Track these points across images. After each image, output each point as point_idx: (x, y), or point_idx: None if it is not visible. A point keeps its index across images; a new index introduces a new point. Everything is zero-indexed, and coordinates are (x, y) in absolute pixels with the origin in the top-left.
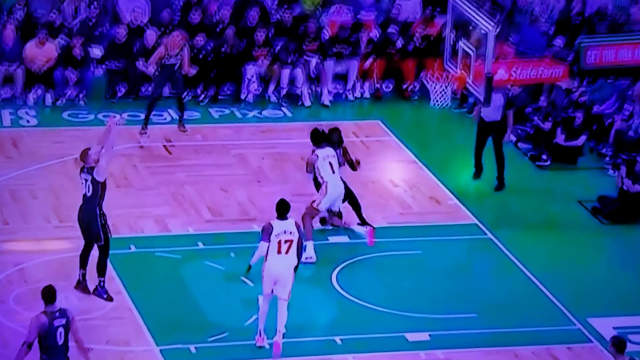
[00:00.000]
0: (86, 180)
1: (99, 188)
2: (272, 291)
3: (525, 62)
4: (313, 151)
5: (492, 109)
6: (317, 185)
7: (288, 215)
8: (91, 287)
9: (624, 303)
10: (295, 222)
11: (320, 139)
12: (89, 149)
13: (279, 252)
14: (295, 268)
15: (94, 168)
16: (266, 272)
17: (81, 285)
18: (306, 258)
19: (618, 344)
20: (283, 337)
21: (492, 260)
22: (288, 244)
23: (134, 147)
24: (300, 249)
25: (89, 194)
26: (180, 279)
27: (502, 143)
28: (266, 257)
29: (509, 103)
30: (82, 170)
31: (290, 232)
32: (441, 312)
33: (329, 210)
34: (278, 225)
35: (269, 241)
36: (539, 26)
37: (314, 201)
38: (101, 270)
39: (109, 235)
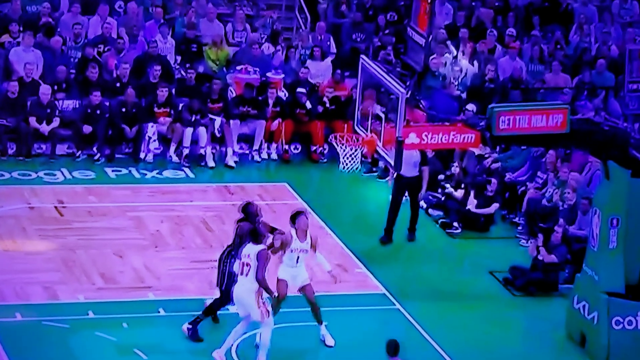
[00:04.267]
0: None
1: None
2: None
3: (437, 127)
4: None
5: (409, 165)
6: None
7: (260, 240)
8: None
9: None
10: (259, 253)
11: None
12: None
13: (241, 272)
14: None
15: None
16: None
17: None
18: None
19: (392, 347)
20: None
21: (400, 333)
22: (247, 267)
23: (23, 207)
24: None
25: None
26: (69, 351)
27: (417, 199)
28: None
29: (424, 160)
30: None
31: (248, 256)
32: None
33: None
34: (246, 248)
35: (239, 260)
36: (451, 91)
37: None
38: None
39: None
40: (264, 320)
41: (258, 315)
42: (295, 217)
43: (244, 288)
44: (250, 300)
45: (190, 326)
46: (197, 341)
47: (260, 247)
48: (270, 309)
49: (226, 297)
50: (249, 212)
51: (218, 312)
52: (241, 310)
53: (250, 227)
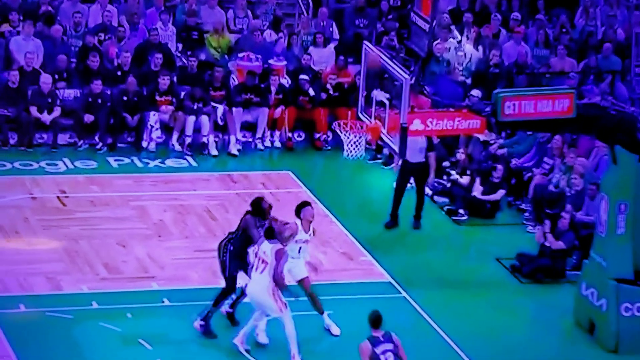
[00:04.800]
0: None
1: None
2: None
3: (442, 113)
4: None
5: (415, 151)
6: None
7: (277, 238)
8: None
9: None
10: (277, 251)
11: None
12: None
13: (256, 269)
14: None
15: None
16: (248, 288)
17: None
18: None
19: (373, 319)
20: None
21: (407, 321)
22: (264, 265)
23: (26, 198)
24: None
25: None
26: (73, 341)
27: (424, 186)
28: None
29: (430, 145)
30: None
31: (265, 253)
32: None
33: None
34: (263, 245)
35: (256, 257)
36: (455, 76)
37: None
38: None
39: None
40: (282, 313)
41: (275, 310)
42: (300, 207)
43: (259, 287)
44: (266, 298)
45: (202, 322)
46: (211, 337)
47: (277, 245)
48: (285, 300)
49: (231, 285)
50: (261, 208)
51: (235, 315)
52: (257, 306)
53: (252, 220)
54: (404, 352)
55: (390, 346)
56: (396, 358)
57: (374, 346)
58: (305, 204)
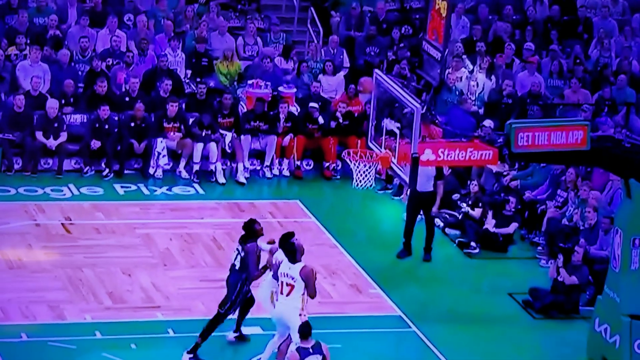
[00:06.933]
0: None
1: None
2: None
3: (453, 144)
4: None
5: (423, 180)
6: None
7: (299, 258)
8: None
9: None
10: (303, 270)
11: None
12: None
13: (281, 292)
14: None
15: None
16: (273, 310)
17: None
18: None
19: (301, 329)
20: None
21: (417, 356)
22: (289, 287)
23: (30, 224)
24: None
25: None
26: None
27: (431, 215)
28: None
29: (439, 174)
30: None
31: (292, 278)
32: None
33: None
34: (284, 265)
35: (277, 279)
36: (467, 106)
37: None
38: None
39: None
40: None
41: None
42: (288, 239)
43: (287, 307)
44: (294, 319)
45: (191, 355)
46: None
47: (301, 265)
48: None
49: (221, 320)
50: (254, 229)
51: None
52: (281, 329)
53: (255, 247)
54: None
55: (319, 358)
56: None
57: (302, 357)
58: (292, 234)
